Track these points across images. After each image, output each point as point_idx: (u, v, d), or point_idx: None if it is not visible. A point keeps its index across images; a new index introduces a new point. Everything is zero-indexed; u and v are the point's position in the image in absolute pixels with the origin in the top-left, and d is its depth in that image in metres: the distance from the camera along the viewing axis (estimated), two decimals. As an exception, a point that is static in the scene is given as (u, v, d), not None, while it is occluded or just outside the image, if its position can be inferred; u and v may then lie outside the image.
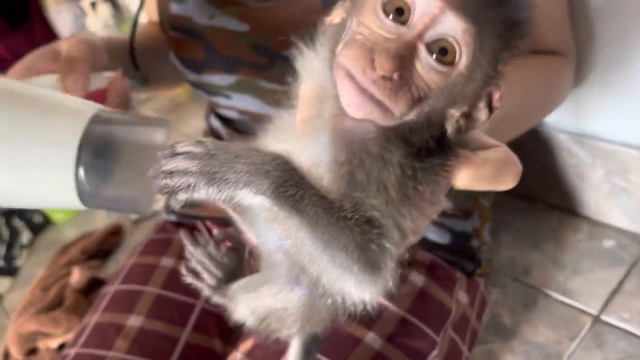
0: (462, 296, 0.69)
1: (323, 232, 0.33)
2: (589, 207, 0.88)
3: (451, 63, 0.31)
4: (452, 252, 0.70)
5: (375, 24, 0.32)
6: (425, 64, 0.31)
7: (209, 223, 0.79)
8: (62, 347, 0.98)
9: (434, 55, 0.31)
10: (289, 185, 0.32)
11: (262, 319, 0.48)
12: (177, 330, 0.71)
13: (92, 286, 1.06)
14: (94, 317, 0.73)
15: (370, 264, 0.35)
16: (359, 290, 0.37)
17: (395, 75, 0.31)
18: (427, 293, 0.66)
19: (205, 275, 0.53)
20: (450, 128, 0.34)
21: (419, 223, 0.37)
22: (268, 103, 0.64)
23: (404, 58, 0.31)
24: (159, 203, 0.41)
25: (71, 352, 0.70)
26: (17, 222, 1.52)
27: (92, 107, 0.42)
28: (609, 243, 0.84)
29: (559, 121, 0.82)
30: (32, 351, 1.01)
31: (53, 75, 0.55)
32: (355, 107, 0.32)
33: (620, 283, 0.78)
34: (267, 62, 0.62)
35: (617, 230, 0.85)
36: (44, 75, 0.55)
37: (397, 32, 0.31)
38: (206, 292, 0.53)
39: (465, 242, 0.71)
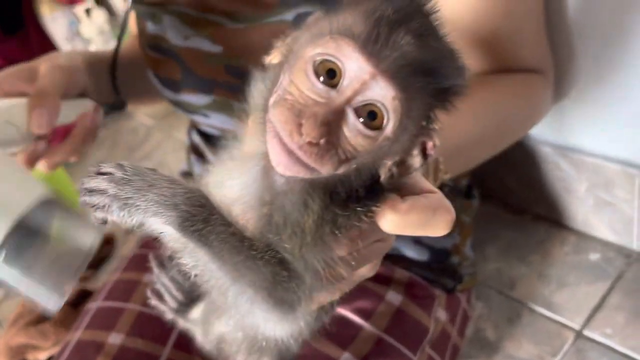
0: (442, 314, 0.69)
1: (231, 268, 0.34)
2: (576, 220, 0.88)
3: (378, 127, 0.31)
4: (431, 269, 0.70)
5: (305, 85, 0.31)
6: (352, 127, 0.31)
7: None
8: (50, 359, 0.98)
9: (362, 119, 0.31)
10: (196, 220, 0.32)
11: (216, 345, 0.48)
12: (158, 348, 0.71)
13: (81, 298, 1.07)
14: (75, 335, 0.73)
15: (279, 303, 0.35)
16: (268, 326, 0.38)
17: (321, 141, 0.30)
18: (404, 312, 0.65)
19: (167, 297, 0.53)
20: (382, 175, 0.34)
21: (340, 269, 0.36)
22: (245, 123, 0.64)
23: (332, 124, 0.31)
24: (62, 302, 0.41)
25: (54, 368, 0.71)
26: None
27: (37, 191, 0.42)
28: (594, 256, 0.84)
29: (544, 134, 0.81)
30: (22, 363, 1.02)
31: (20, 99, 0.53)
32: (283, 167, 0.32)
33: (604, 298, 0.78)
34: (240, 83, 0.62)
35: (603, 243, 0.84)
36: (10, 99, 0.53)
37: (326, 95, 0.31)
38: (168, 314, 0.54)
39: (445, 259, 0.71)
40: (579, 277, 0.82)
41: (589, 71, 0.70)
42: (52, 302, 0.42)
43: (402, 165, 0.34)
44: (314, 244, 0.34)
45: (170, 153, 1.70)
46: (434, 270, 0.70)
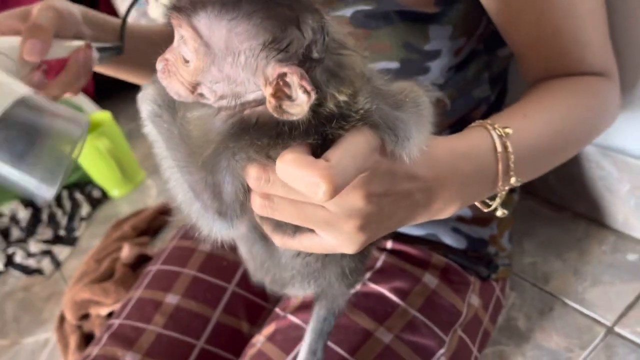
0: (475, 300, 0.72)
1: (174, 164, 0.44)
2: (616, 220, 0.89)
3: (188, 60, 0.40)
4: (468, 257, 0.73)
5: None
6: (178, 61, 0.41)
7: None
8: (110, 314, 1.08)
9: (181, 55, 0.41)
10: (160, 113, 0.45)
11: (268, 271, 0.55)
12: (209, 311, 0.78)
13: (140, 262, 1.15)
14: (137, 293, 0.81)
15: (216, 211, 0.44)
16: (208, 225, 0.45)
17: (160, 66, 0.42)
18: (439, 295, 0.69)
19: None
20: (269, 107, 0.37)
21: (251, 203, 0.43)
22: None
23: (172, 60, 0.41)
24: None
25: (115, 322, 0.78)
26: (78, 196, 1.64)
27: (22, 89, 0.45)
28: (632, 257, 0.85)
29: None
30: (84, 317, 1.11)
31: (16, 37, 0.55)
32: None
33: (638, 297, 0.79)
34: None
35: (643, 245, 0.86)
36: (7, 37, 0.56)
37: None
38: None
39: (482, 248, 0.74)
40: (615, 276, 0.84)
41: (635, 73, 0.71)
42: (42, 191, 0.44)
43: (275, 102, 0.37)
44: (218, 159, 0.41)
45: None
46: (471, 258, 0.73)
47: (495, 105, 0.75)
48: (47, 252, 1.47)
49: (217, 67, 0.39)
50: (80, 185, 1.68)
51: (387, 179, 0.43)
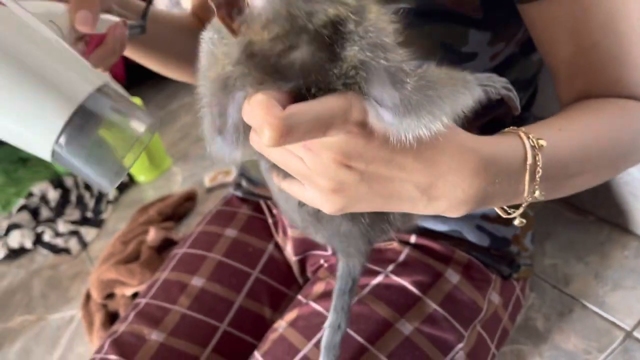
0: (495, 297, 0.73)
1: None
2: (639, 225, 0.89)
3: None
4: (491, 255, 0.74)
5: None
6: None
7: (270, 202, 0.87)
8: (135, 295, 1.11)
9: None
10: None
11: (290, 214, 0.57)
12: (233, 295, 0.80)
13: (165, 245, 1.18)
14: (163, 274, 0.83)
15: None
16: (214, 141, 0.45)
17: None
18: (460, 291, 0.70)
19: None
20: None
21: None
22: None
23: None
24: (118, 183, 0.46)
25: (142, 301, 0.81)
26: (106, 180, 1.68)
27: (100, 77, 0.44)
28: (655, 263, 0.85)
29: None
30: (110, 296, 1.15)
31: (59, 5, 0.55)
32: None
33: (659, 304, 0.79)
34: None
35: (666, 252, 0.86)
36: (49, 2, 0.55)
37: None
38: None
39: (504, 247, 0.75)
40: (636, 281, 0.84)
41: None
42: (106, 182, 0.45)
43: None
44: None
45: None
46: (493, 256, 0.74)
47: (525, 108, 0.76)
48: (75, 233, 1.51)
49: None
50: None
51: (363, 154, 0.42)
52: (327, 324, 0.61)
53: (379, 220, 0.53)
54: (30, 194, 1.67)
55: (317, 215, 0.53)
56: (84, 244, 1.48)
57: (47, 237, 1.52)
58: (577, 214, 0.96)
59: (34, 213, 1.61)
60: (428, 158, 0.44)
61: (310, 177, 0.44)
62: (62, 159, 0.44)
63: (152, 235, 1.18)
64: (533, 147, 0.50)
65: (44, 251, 1.51)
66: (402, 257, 0.72)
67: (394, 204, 0.46)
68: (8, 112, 0.42)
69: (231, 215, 0.89)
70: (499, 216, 0.73)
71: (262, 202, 0.88)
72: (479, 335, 0.71)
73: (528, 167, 0.49)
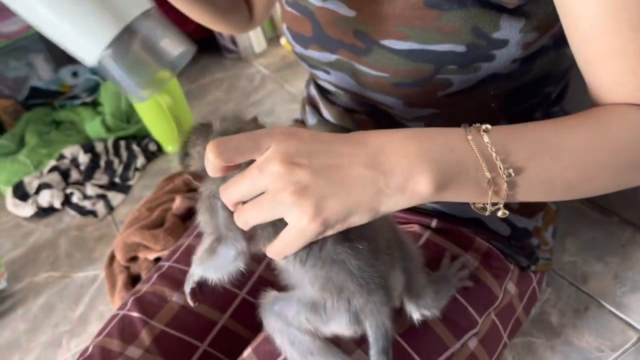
0: (512, 287, 0.74)
1: None
2: (664, 230, 0.89)
3: None
4: (510, 245, 0.74)
5: None
6: None
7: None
8: (157, 259, 1.14)
9: None
10: None
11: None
12: (254, 265, 0.82)
13: (189, 214, 1.21)
14: (187, 240, 0.86)
15: None
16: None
17: None
18: (477, 278, 0.71)
19: None
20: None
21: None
22: (360, 85, 0.70)
23: None
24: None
25: (165, 264, 0.83)
26: (135, 147, 1.72)
27: (148, 2, 0.52)
28: (676, 268, 0.85)
29: None
30: (133, 259, 1.18)
31: None
32: None
33: (677, 308, 0.79)
34: (365, 47, 0.69)
35: (689, 258, 0.85)
36: None
37: None
38: None
39: (525, 238, 0.75)
40: (656, 285, 0.84)
41: None
42: (141, 93, 0.53)
43: None
44: None
45: (279, 104, 1.81)
46: (513, 246, 0.74)
47: (556, 100, 0.76)
48: (102, 197, 1.55)
49: None
50: (137, 138, 1.75)
51: (300, 150, 0.48)
52: None
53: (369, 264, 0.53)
54: (62, 156, 1.72)
55: (323, 266, 0.53)
56: (110, 208, 1.52)
57: (76, 198, 1.56)
58: (601, 213, 0.96)
59: (64, 175, 1.65)
60: (356, 140, 0.49)
61: (279, 197, 0.47)
62: (104, 66, 0.51)
63: (178, 203, 1.20)
64: (476, 128, 0.52)
65: (71, 212, 1.55)
66: (421, 241, 0.73)
67: (359, 190, 0.48)
68: (68, 18, 0.49)
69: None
70: (521, 207, 0.75)
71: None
72: (493, 323, 0.72)
73: (470, 141, 0.51)
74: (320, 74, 0.77)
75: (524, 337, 0.83)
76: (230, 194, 0.51)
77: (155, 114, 1.60)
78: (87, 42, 0.50)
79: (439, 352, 0.66)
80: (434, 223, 0.74)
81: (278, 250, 0.51)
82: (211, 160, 0.48)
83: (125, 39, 0.50)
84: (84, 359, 0.73)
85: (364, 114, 0.76)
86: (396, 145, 0.50)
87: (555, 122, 0.56)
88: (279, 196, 0.47)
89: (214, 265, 0.60)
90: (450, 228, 0.74)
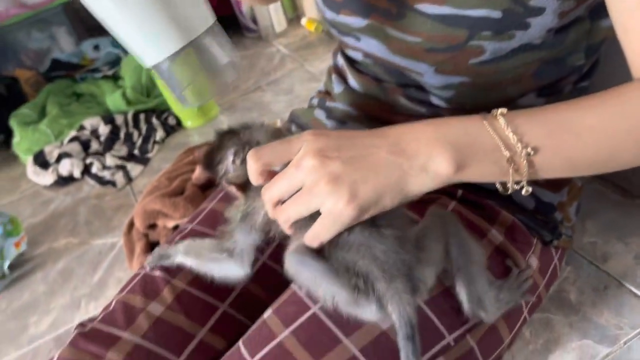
0: (534, 261, 0.74)
1: None
2: (687, 213, 0.88)
3: None
4: (535, 219, 0.74)
5: None
6: None
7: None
8: (175, 227, 1.15)
9: None
10: None
11: None
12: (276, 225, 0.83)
13: (209, 185, 1.22)
14: (210, 204, 0.86)
15: None
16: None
17: None
18: (502, 251, 0.71)
19: None
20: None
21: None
22: (391, 50, 0.70)
23: None
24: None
25: (188, 227, 0.84)
26: (155, 121, 1.73)
27: (211, 18, 0.55)
28: (699, 251, 0.84)
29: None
30: (152, 226, 1.19)
31: None
32: None
33: (698, 289, 0.79)
34: (399, 12, 0.68)
35: None
36: None
37: None
38: None
39: (549, 212, 0.75)
40: (677, 267, 0.83)
41: None
42: (189, 102, 0.58)
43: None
44: None
45: (298, 82, 1.81)
46: (536, 220, 0.74)
47: (586, 75, 0.75)
48: (121, 167, 1.56)
49: None
50: (157, 112, 1.76)
51: (330, 145, 0.54)
52: None
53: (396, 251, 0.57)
54: (82, 127, 1.73)
55: (350, 250, 0.57)
56: (129, 179, 1.54)
57: (95, 168, 1.58)
58: (622, 195, 0.95)
59: (84, 145, 1.67)
60: (378, 133, 0.56)
61: (316, 189, 0.53)
62: (159, 72, 0.55)
63: (198, 173, 1.21)
64: (492, 114, 0.56)
65: (90, 182, 1.57)
66: (448, 210, 0.73)
67: (386, 174, 0.53)
68: (137, 24, 0.52)
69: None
70: (547, 181, 0.74)
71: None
72: (514, 296, 0.72)
73: (486, 125, 0.55)
74: (349, 40, 0.77)
75: (542, 313, 0.83)
76: (271, 192, 0.56)
77: (175, 88, 1.60)
78: (149, 49, 0.53)
79: (462, 321, 0.67)
80: (459, 193, 0.74)
81: (316, 236, 0.55)
82: (251, 166, 0.56)
83: (185, 52, 0.53)
84: (106, 314, 0.74)
85: (392, 82, 0.76)
86: (415, 134, 0.55)
87: (574, 102, 0.58)
88: (315, 188, 0.53)
89: (209, 266, 0.69)
90: (476, 200, 0.74)
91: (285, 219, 0.56)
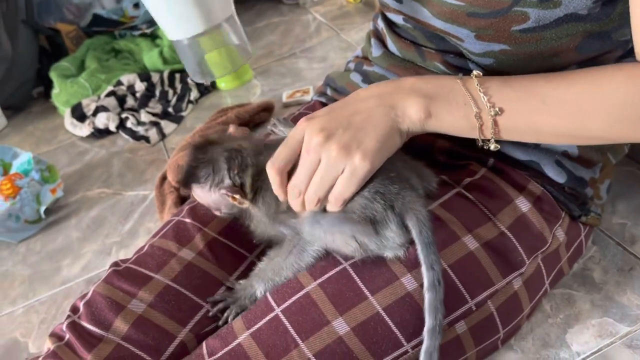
0: (560, 234, 0.74)
1: None
2: None
3: None
4: (564, 192, 0.74)
5: None
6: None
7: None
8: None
9: None
10: None
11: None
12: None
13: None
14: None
15: None
16: None
17: None
18: (529, 219, 0.71)
19: None
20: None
21: None
22: (432, 13, 0.70)
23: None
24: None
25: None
26: (190, 81, 1.75)
27: (230, 9, 0.64)
28: None
29: None
30: (183, 181, 1.22)
31: None
32: None
33: None
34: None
35: None
36: None
37: None
38: None
39: (580, 187, 0.75)
40: None
41: None
42: (200, 78, 0.70)
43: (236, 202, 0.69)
44: None
45: (333, 51, 1.81)
46: (566, 194, 0.74)
47: (631, 51, 0.74)
48: (155, 124, 1.59)
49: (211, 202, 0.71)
50: (192, 72, 1.78)
51: (321, 120, 0.62)
52: (425, 286, 0.61)
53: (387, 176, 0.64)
54: (119, 83, 1.76)
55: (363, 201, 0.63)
56: (162, 135, 1.57)
57: (130, 123, 1.62)
58: (657, 179, 0.94)
59: (120, 100, 1.70)
60: (363, 92, 0.65)
61: (325, 162, 0.60)
62: (179, 48, 0.64)
63: (232, 130, 1.23)
64: (468, 76, 0.63)
65: (125, 136, 1.61)
66: (477, 176, 0.73)
67: (381, 124, 0.61)
68: (168, 4, 0.62)
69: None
70: (580, 156, 0.74)
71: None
72: (538, 267, 0.73)
73: (460, 83, 0.63)
74: (391, 3, 0.77)
75: (564, 289, 0.83)
76: (294, 187, 0.62)
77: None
78: (174, 26, 0.63)
79: (484, 287, 0.68)
80: (490, 161, 0.74)
81: (340, 196, 0.61)
82: (273, 177, 0.62)
83: (202, 35, 0.62)
84: (139, 255, 0.77)
85: (431, 48, 0.76)
86: (395, 87, 0.64)
87: (552, 75, 0.63)
88: (330, 160, 0.59)
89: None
90: (506, 169, 0.74)
91: (313, 200, 0.62)
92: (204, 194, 0.70)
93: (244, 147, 0.69)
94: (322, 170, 0.60)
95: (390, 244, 0.63)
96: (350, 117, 0.61)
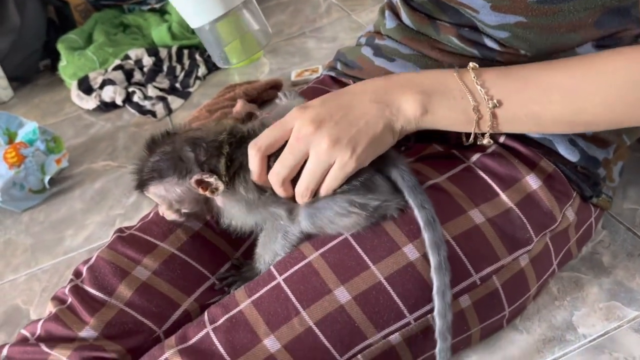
0: (571, 214, 0.73)
1: None
2: None
3: None
4: (576, 171, 0.73)
5: None
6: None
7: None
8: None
9: None
10: None
11: None
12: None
13: (249, 119, 1.22)
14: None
15: None
16: None
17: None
18: (538, 196, 0.70)
19: None
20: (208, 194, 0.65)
21: None
22: (451, -15, 0.69)
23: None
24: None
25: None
26: (198, 57, 1.73)
27: None
28: None
29: None
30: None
31: None
32: None
33: None
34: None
35: None
36: None
37: None
38: None
39: (593, 167, 0.73)
40: None
41: None
42: (220, 62, 0.70)
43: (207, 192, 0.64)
44: None
45: (343, 31, 1.79)
46: (578, 173, 0.73)
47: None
48: (162, 99, 1.58)
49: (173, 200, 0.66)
50: (201, 49, 1.76)
51: (319, 113, 0.60)
52: (422, 226, 0.62)
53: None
54: (127, 57, 1.75)
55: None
56: (169, 110, 1.56)
57: (136, 97, 1.60)
58: (670, 165, 0.93)
59: (128, 75, 1.69)
60: (357, 87, 0.64)
61: (316, 156, 0.59)
62: (200, 33, 0.65)
63: (239, 106, 1.22)
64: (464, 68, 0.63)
65: (131, 110, 1.60)
66: (488, 151, 0.72)
67: (374, 122, 0.60)
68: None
69: (322, 92, 0.90)
70: (595, 136, 0.73)
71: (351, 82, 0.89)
72: (546, 246, 0.72)
73: (457, 76, 0.62)
74: None
75: (572, 272, 0.82)
76: (278, 174, 0.61)
77: (221, 26, 1.60)
78: (194, 13, 0.64)
79: (489, 261, 0.67)
80: (502, 139, 0.73)
81: (329, 187, 0.61)
82: (253, 156, 0.61)
83: (220, 20, 0.63)
84: (144, 223, 0.77)
85: (446, 21, 0.74)
86: (391, 83, 0.63)
87: (550, 62, 0.63)
88: (321, 153, 0.59)
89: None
90: (518, 146, 0.73)
91: (304, 192, 0.62)
92: (167, 191, 0.64)
93: (204, 134, 0.65)
94: (312, 163, 0.60)
95: (386, 196, 0.64)
96: (344, 111, 0.61)
